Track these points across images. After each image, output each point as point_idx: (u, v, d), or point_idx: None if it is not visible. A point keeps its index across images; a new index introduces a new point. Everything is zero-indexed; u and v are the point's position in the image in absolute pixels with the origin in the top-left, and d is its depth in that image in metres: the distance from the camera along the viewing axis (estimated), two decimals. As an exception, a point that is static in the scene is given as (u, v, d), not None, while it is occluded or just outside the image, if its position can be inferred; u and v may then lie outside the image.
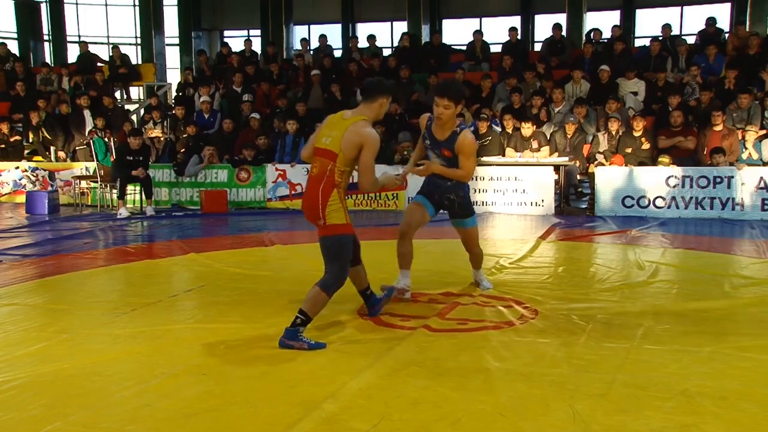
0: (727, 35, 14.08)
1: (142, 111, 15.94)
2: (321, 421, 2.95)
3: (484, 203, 11.45)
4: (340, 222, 4.26)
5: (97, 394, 3.31)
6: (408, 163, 5.59)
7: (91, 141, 13.08)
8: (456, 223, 5.51)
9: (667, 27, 14.37)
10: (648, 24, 18.53)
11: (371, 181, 4.26)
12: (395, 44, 18.34)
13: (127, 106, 16.12)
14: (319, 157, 4.29)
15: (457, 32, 19.84)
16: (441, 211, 5.46)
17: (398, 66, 14.37)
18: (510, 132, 11.84)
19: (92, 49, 17.92)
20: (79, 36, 21.16)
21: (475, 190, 11.52)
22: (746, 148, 10.73)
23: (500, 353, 3.88)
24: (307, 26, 21.37)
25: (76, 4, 21.46)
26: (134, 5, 21.26)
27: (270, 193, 12.55)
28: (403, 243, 5.38)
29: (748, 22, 16.02)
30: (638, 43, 17.40)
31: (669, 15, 17.79)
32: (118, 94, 16.89)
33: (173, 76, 20.54)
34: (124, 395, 3.29)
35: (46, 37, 20.73)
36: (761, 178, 10.21)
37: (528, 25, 19.49)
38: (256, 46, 18.77)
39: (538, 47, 17.70)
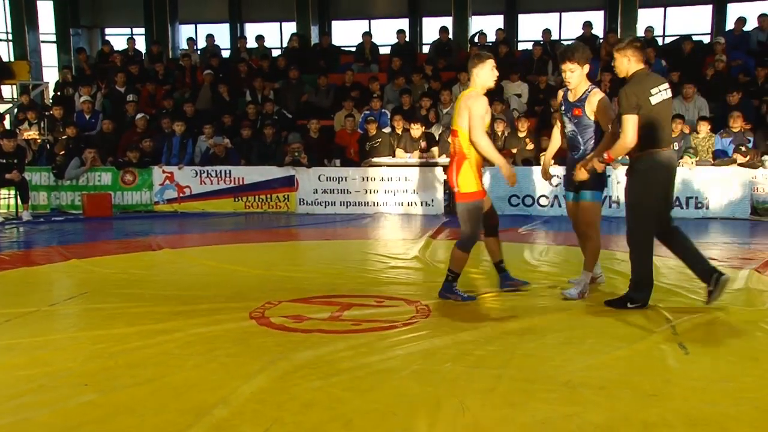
0: (601, 41, 14.82)
1: (15, 110, 15.10)
2: (211, 427, 2.88)
3: (375, 204, 11.58)
4: (470, 190, 4.98)
5: (-32, 411, 3.11)
6: (548, 150, 5.85)
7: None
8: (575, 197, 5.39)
9: (547, 32, 15.01)
10: (529, 29, 19.24)
11: (479, 138, 4.90)
12: (284, 45, 18.21)
13: (-2, 106, 15.25)
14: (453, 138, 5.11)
15: (346, 34, 19.92)
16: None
17: (287, 67, 14.28)
18: (400, 133, 11.99)
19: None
20: (-58, 29, 19.80)
21: (366, 191, 11.61)
22: (621, 149, 11.31)
23: (393, 352, 3.92)
24: (193, 25, 20.85)
25: (-62, -5, 20.07)
26: (4, -1, 20.10)
27: (157, 195, 12.20)
28: (580, 242, 5.58)
29: (619, 29, 16.92)
30: (521, 47, 18.03)
31: (549, 20, 18.54)
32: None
33: (50, 75, 19.56)
34: (-1, 410, 3.11)
35: None
36: (635, 176, 10.79)
37: (416, 28, 19.81)
38: (140, 45, 18.16)
39: (426, 49, 18.03)
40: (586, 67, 5.16)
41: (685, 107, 11.85)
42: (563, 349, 3.98)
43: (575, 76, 5.13)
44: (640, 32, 16.31)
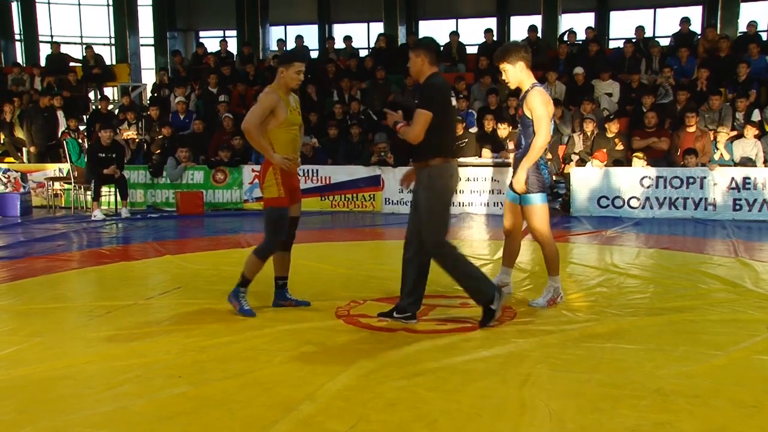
0: (698, 37, 14.26)
1: (116, 111, 15.78)
2: (298, 423, 2.93)
3: (461, 204, 11.50)
4: (270, 195, 4.97)
5: (69, 398, 3.27)
6: None
7: (64, 142, 12.92)
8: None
9: (640, 29, 14.54)
10: (622, 26, 18.71)
11: (246, 123, 4.99)
12: (371, 45, 18.32)
13: (100, 107, 15.93)
14: None
15: (433, 33, 19.83)
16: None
17: (374, 67, 14.37)
18: (489, 132, 11.88)
19: (65, 48, 17.70)
20: (52, 36, 20.88)
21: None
22: (718, 149, 10.87)
23: (478, 353, 3.89)
24: (283, 27, 21.27)
25: (48, 3, 21.16)
26: (108, 5, 21.01)
27: (246, 194, 12.51)
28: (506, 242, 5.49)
29: (718, 25, 16.23)
30: (612, 44, 17.55)
31: (642, 17, 17.97)
32: (92, 95, 16.71)
33: (148, 77, 20.36)
34: (97, 398, 3.25)
35: (17, 37, 20.41)
36: (732, 178, 10.35)
37: (504, 27, 19.56)
38: (232, 46, 18.65)
39: (513, 48, 17.75)
40: (520, 65, 4.94)
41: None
42: (653, 355, 3.85)
43: (509, 75, 4.97)
44: (742, 27, 15.60)
